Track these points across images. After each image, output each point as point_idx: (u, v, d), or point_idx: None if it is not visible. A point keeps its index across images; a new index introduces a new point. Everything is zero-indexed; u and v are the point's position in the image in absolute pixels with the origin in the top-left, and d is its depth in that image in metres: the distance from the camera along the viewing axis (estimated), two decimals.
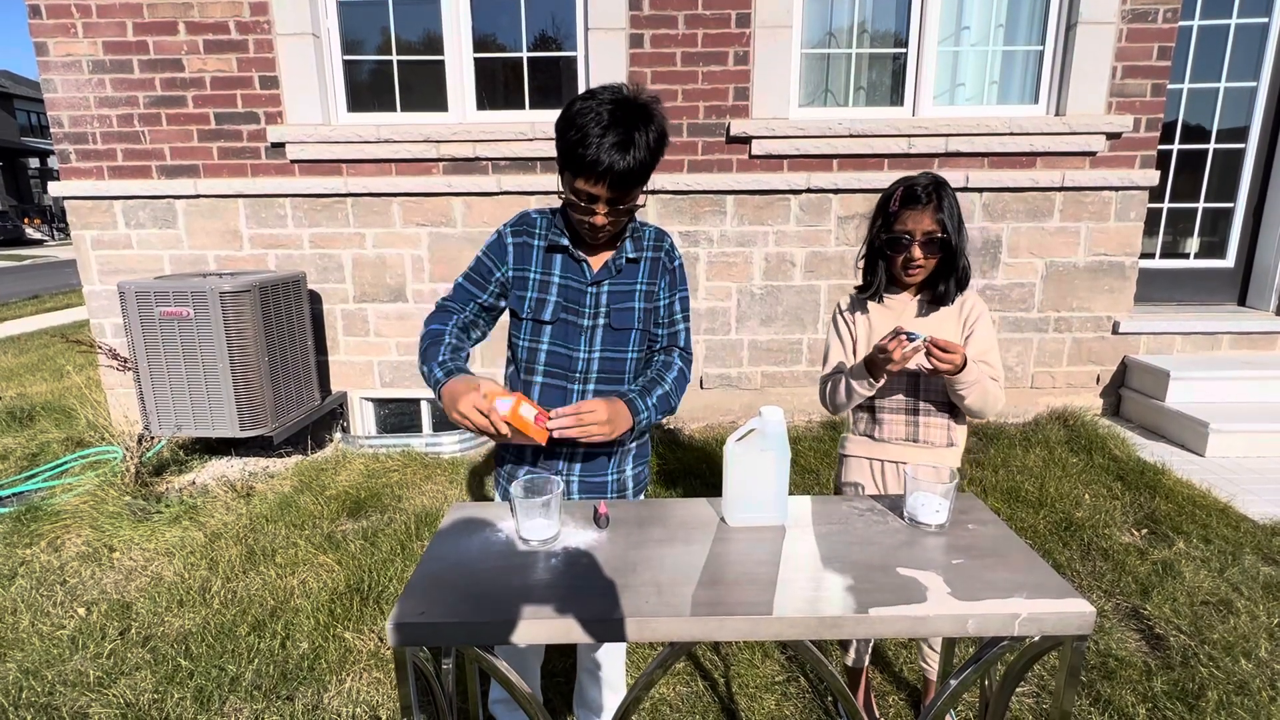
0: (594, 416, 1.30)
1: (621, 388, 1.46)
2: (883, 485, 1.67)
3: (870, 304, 1.67)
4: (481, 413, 1.24)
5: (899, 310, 1.64)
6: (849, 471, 1.72)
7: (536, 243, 1.45)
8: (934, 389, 1.61)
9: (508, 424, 1.26)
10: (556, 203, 1.46)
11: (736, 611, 1.02)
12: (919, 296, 1.63)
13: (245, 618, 2.24)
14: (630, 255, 1.43)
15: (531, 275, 1.44)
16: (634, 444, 1.55)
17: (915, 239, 1.53)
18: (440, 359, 1.39)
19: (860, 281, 1.71)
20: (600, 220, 1.32)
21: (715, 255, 3.82)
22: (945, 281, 1.57)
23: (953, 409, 1.62)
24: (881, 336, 1.47)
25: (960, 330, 1.61)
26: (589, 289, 1.42)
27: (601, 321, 1.43)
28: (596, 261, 1.43)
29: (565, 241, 1.42)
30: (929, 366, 1.49)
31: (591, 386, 1.45)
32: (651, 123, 1.26)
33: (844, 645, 1.86)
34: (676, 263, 1.50)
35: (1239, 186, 4.11)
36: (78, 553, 2.68)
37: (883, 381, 1.56)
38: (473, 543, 1.24)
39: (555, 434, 1.29)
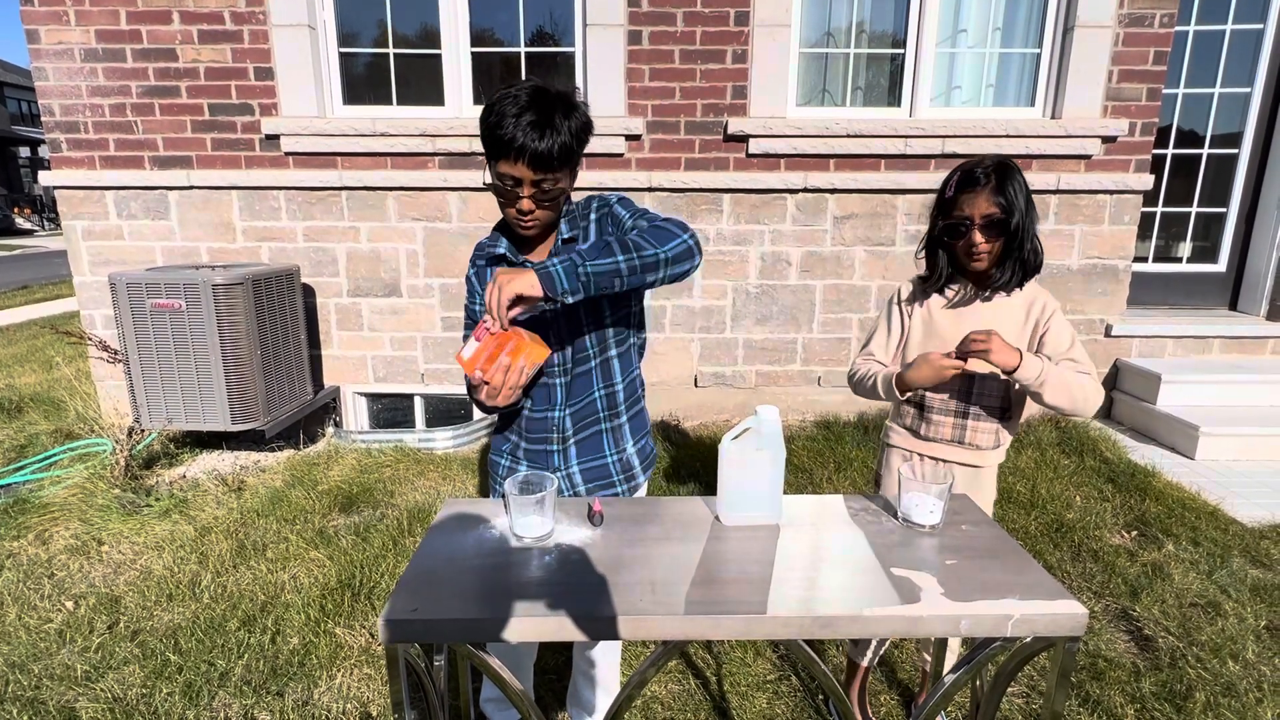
0: (495, 292, 1.19)
1: (592, 364, 1.44)
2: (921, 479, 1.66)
3: (932, 294, 1.62)
4: (488, 383, 1.24)
5: (961, 301, 1.60)
6: (889, 464, 1.70)
7: (486, 262, 1.45)
8: (988, 393, 1.56)
9: (495, 364, 1.23)
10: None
11: (731, 610, 1.02)
12: (982, 289, 1.58)
13: (235, 612, 2.23)
14: (566, 235, 1.40)
15: None
16: (624, 417, 1.51)
17: (975, 223, 1.47)
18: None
19: (923, 271, 1.66)
20: (527, 205, 1.29)
21: (711, 254, 3.82)
22: (1002, 266, 1.51)
23: (1004, 413, 1.58)
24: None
25: (1029, 329, 1.55)
26: None
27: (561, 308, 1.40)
28: (541, 255, 1.42)
29: (501, 249, 1.41)
30: (991, 369, 1.46)
31: (570, 378, 1.44)
32: (574, 110, 1.26)
33: (856, 642, 1.84)
34: (613, 202, 1.40)
35: (1232, 191, 4.14)
36: (66, 546, 2.66)
37: (907, 396, 1.55)
38: (466, 539, 1.23)
39: (505, 328, 1.21)
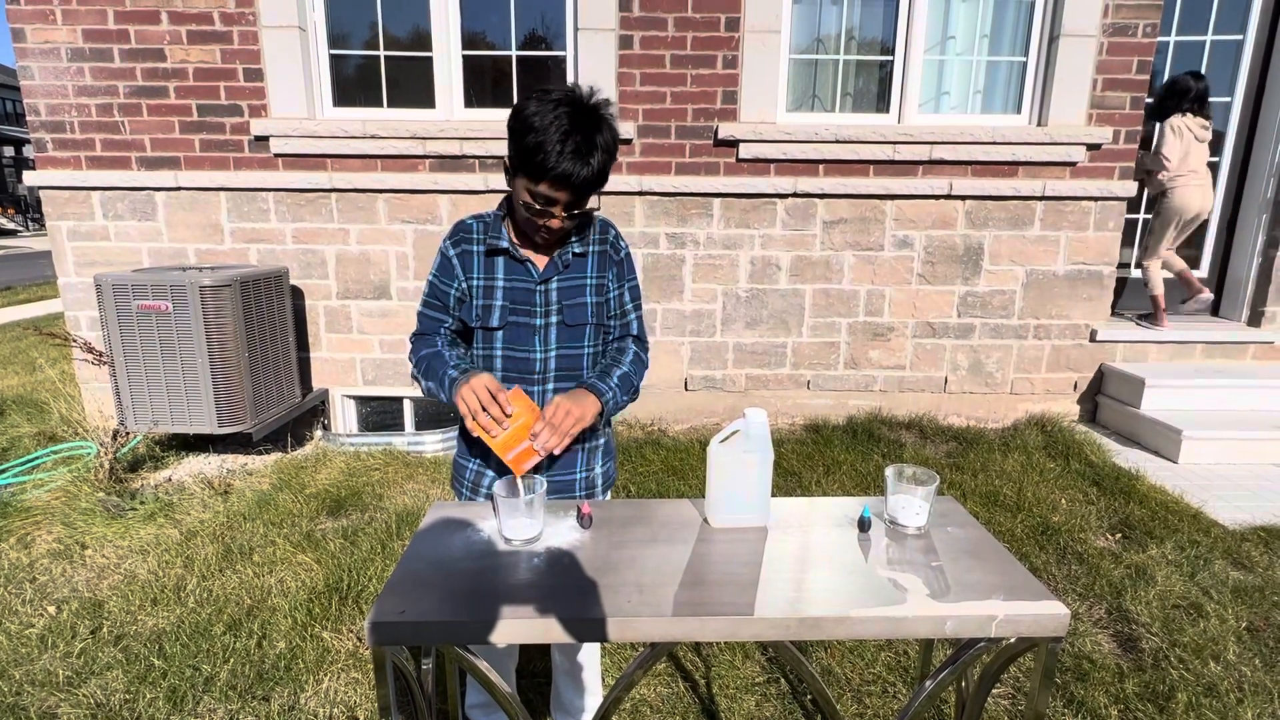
0: (565, 419, 1.31)
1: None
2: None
3: None
4: (492, 394, 1.28)
5: None
6: None
7: (476, 249, 1.41)
8: None
9: (509, 419, 1.28)
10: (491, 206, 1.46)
11: (718, 612, 1.03)
12: None
13: (221, 617, 2.21)
14: (576, 250, 1.42)
15: (475, 282, 1.41)
16: (601, 439, 1.54)
17: None
18: (452, 363, 1.39)
19: None
20: (556, 224, 1.31)
21: (702, 257, 3.84)
22: None
23: None
24: None
25: None
26: (537, 287, 1.40)
27: (555, 319, 1.42)
28: (541, 259, 1.42)
29: (504, 244, 1.39)
30: None
31: (551, 386, 1.44)
32: (608, 125, 1.27)
33: None
34: (623, 253, 1.49)
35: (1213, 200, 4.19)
36: (48, 550, 2.62)
37: None
38: (454, 542, 1.23)
39: (541, 451, 1.31)
